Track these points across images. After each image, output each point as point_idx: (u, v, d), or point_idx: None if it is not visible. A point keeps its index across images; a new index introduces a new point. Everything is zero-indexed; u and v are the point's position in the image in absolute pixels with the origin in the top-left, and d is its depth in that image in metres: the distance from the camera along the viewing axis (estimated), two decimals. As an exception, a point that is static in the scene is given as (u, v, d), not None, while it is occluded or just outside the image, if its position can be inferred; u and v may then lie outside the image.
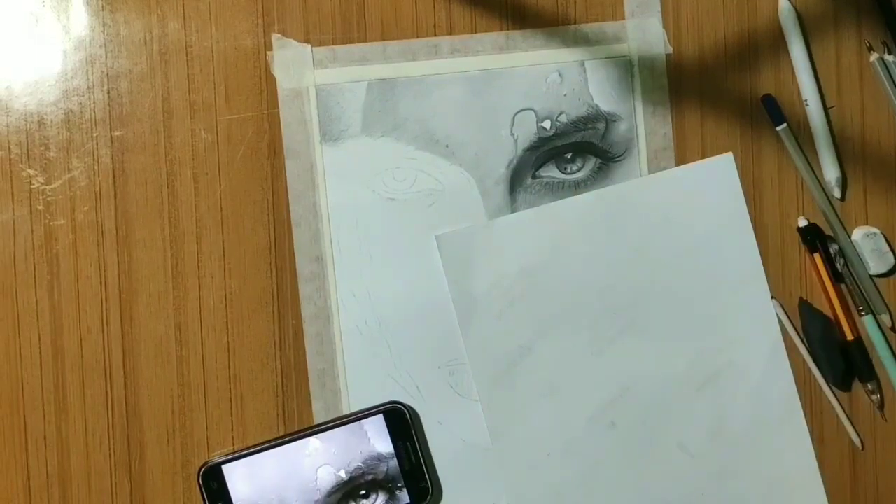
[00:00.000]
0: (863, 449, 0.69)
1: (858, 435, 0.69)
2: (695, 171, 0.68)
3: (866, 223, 0.70)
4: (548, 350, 0.66)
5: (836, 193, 0.69)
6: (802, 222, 0.68)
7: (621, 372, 0.66)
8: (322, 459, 0.63)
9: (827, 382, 0.68)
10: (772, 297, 0.68)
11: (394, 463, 0.63)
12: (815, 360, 0.68)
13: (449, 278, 0.65)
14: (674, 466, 0.63)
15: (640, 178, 0.67)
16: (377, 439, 0.64)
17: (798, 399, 0.68)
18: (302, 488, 0.63)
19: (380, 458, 0.63)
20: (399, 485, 0.64)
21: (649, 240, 0.67)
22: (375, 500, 0.63)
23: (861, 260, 0.69)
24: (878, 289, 0.69)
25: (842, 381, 0.69)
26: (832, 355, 0.68)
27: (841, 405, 0.69)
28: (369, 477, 0.63)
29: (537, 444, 0.66)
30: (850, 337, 0.68)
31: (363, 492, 0.63)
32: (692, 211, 0.68)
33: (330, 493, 0.63)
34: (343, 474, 0.63)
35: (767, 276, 0.68)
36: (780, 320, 0.68)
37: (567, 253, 0.64)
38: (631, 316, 0.66)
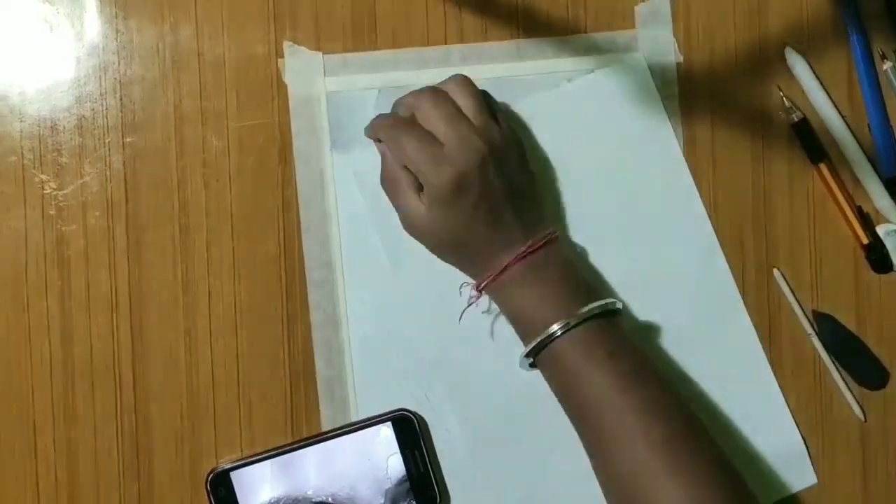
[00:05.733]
0: (865, 421, 0.68)
1: (861, 407, 0.68)
2: (607, 75, 0.67)
3: (887, 221, 0.69)
4: None
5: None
6: (797, 117, 0.68)
7: None
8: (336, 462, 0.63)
9: (855, 383, 0.68)
10: (783, 276, 0.68)
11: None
12: (844, 367, 0.68)
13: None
14: None
15: (547, 91, 0.66)
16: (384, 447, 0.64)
17: (739, 296, 0.67)
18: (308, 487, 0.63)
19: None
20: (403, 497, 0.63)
21: (569, 152, 0.66)
22: None
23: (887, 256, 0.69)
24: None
25: (878, 383, 0.69)
26: (860, 360, 0.68)
27: (846, 382, 0.68)
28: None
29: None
30: (864, 241, 0.68)
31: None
32: (609, 117, 0.67)
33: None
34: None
35: (772, 283, 0.68)
36: (798, 317, 0.68)
37: None
38: (560, 230, 0.65)
